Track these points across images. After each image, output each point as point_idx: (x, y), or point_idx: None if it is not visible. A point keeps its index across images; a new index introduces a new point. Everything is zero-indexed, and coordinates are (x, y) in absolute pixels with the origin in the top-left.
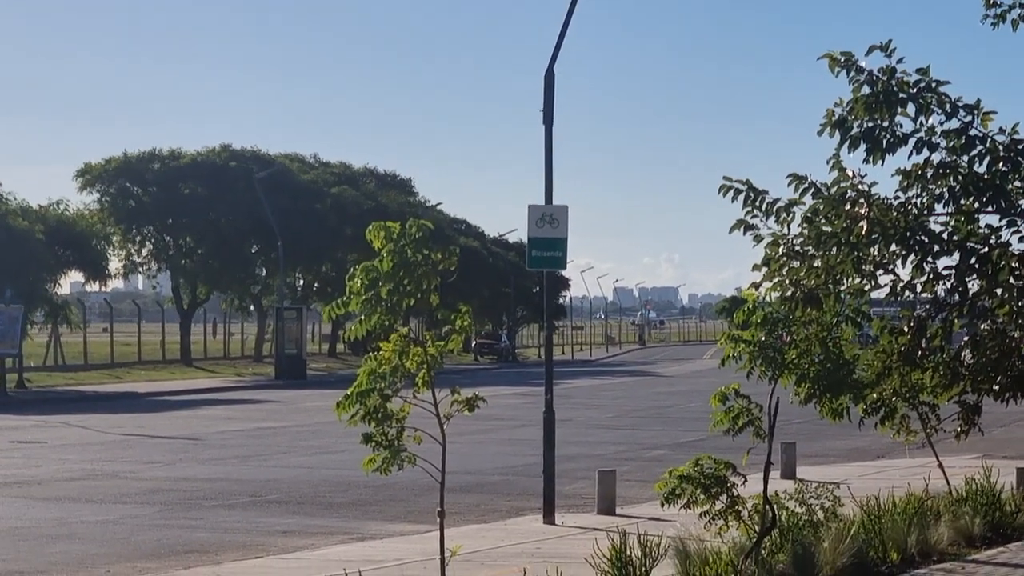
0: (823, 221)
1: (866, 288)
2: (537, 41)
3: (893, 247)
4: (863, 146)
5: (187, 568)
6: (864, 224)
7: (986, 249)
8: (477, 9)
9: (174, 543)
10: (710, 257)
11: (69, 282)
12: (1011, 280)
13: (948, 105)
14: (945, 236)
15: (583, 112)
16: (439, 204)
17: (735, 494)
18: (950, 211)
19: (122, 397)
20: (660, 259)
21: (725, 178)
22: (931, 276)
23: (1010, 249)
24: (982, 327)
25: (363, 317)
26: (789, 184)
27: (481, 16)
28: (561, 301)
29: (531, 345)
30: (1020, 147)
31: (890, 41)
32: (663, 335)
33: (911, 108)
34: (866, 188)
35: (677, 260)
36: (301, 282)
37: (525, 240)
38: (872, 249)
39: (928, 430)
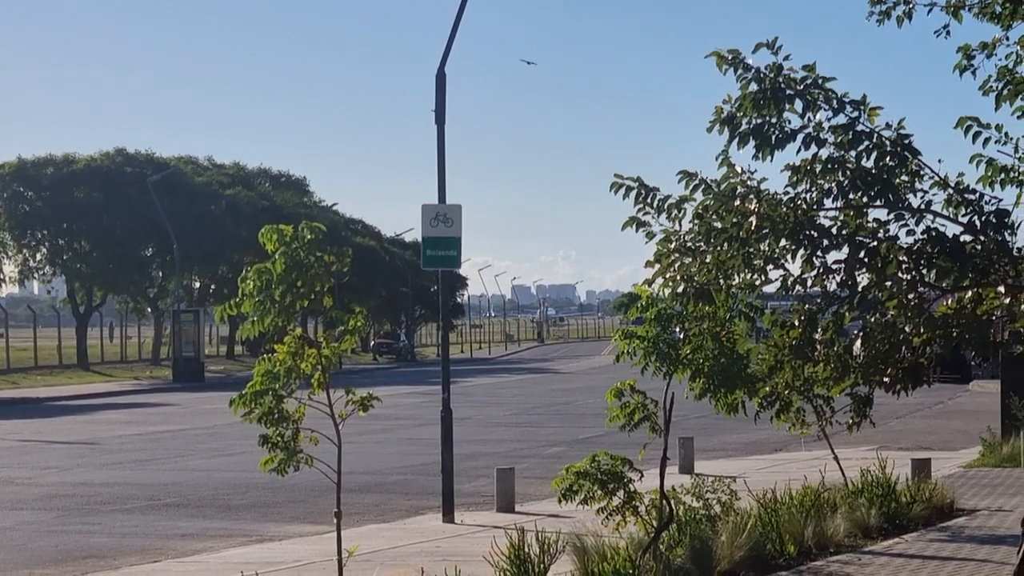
0: (713, 217)
1: (756, 283)
2: (430, 39)
3: (783, 242)
4: (752, 142)
5: (85, 574)
6: (754, 219)
7: (875, 243)
8: (369, 8)
9: (72, 549)
10: (606, 254)
11: None
12: (899, 273)
13: (835, 101)
14: (834, 230)
15: (479, 110)
16: (335, 204)
17: (632, 489)
18: (839, 206)
19: (19, 403)
20: (557, 256)
21: (616, 176)
22: (821, 270)
23: (898, 243)
24: (871, 320)
25: (256, 318)
26: (680, 181)
27: (373, 15)
28: (459, 300)
29: (430, 344)
30: (906, 142)
31: (776, 39)
32: (562, 332)
33: (798, 104)
34: (755, 184)
35: (574, 257)
36: (197, 284)
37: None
38: (762, 244)
39: (823, 422)
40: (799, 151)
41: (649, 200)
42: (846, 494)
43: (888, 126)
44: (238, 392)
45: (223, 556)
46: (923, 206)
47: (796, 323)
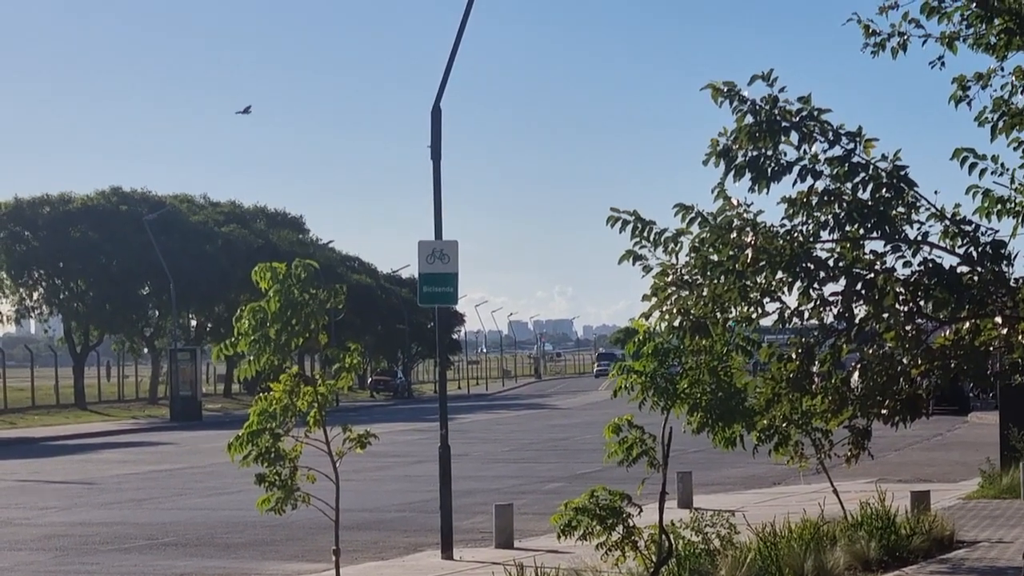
0: (710, 250)
1: (753, 316)
2: (425, 75)
3: (779, 274)
4: (748, 175)
5: None
6: (750, 252)
7: (871, 275)
8: (364, 45)
9: None
10: (603, 289)
11: None
12: (897, 305)
13: (830, 133)
14: (831, 263)
15: (475, 144)
16: (331, 242)
17: (631, 524)
18: (835, 238)
19: (16, 443)
20: (553, 292)
21: (613, 209)
22: (818, 302)
23: (895, 274)
24: (869, 352)
25: (252, 357)
26: (676, 214)
27: (368, 52)
28: (456, 336)
29: (427, 380)
30: (902, 173)
31: (771, 71)
32: (559, 367)
33: (794, 136)
34: (751, 216)
35: (570, 293)
36: (194, 323)
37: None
38: (758, 277)
39: (821, 455)
40: (795, 183)
41: (646, 233)
42: (845, 527)
43: (884, 157)
44: (236, 430)
45: None
46: (920, 237)
47: (793, 356)
